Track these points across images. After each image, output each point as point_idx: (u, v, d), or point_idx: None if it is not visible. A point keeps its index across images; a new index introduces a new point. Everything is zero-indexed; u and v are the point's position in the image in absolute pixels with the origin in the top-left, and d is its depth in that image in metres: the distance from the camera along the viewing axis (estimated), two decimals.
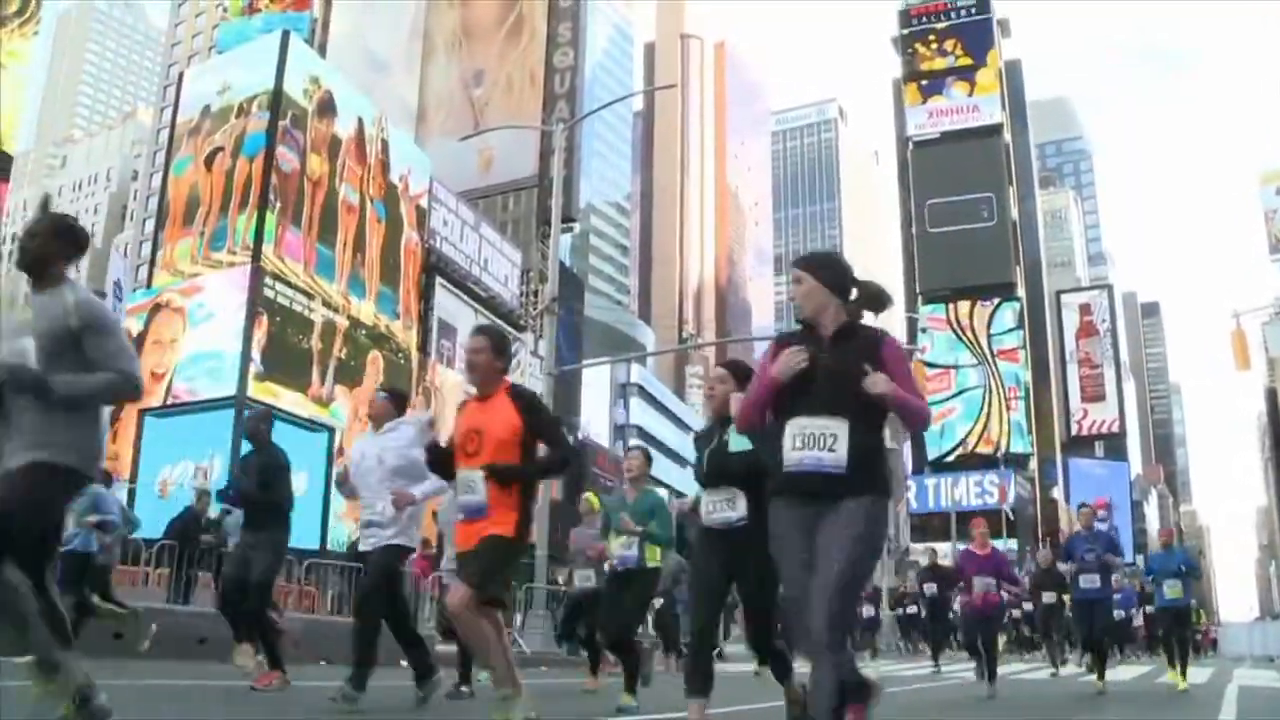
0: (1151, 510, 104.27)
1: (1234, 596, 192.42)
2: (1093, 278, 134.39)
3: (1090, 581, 10.86)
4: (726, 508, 5.14)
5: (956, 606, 23.68)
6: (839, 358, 3.76)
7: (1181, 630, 12.05)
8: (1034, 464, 74.91)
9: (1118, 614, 22.82)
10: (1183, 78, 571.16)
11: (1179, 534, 16.01)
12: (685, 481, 76.50)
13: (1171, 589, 11.60)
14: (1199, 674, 16.15)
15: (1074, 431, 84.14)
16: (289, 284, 32.69)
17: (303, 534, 23.05)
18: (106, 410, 4.26)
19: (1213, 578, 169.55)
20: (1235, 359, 21.30)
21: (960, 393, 70.46)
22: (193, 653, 10.15)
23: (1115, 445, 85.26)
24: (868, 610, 22.13)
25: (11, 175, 27.40)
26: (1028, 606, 21.62)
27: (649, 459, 8.33)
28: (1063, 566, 11.94)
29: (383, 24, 59.45)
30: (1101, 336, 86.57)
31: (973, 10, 79.57)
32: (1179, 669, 11.77)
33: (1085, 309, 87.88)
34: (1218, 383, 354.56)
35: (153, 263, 36.28)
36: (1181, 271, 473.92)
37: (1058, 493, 77.38)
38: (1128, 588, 23.45)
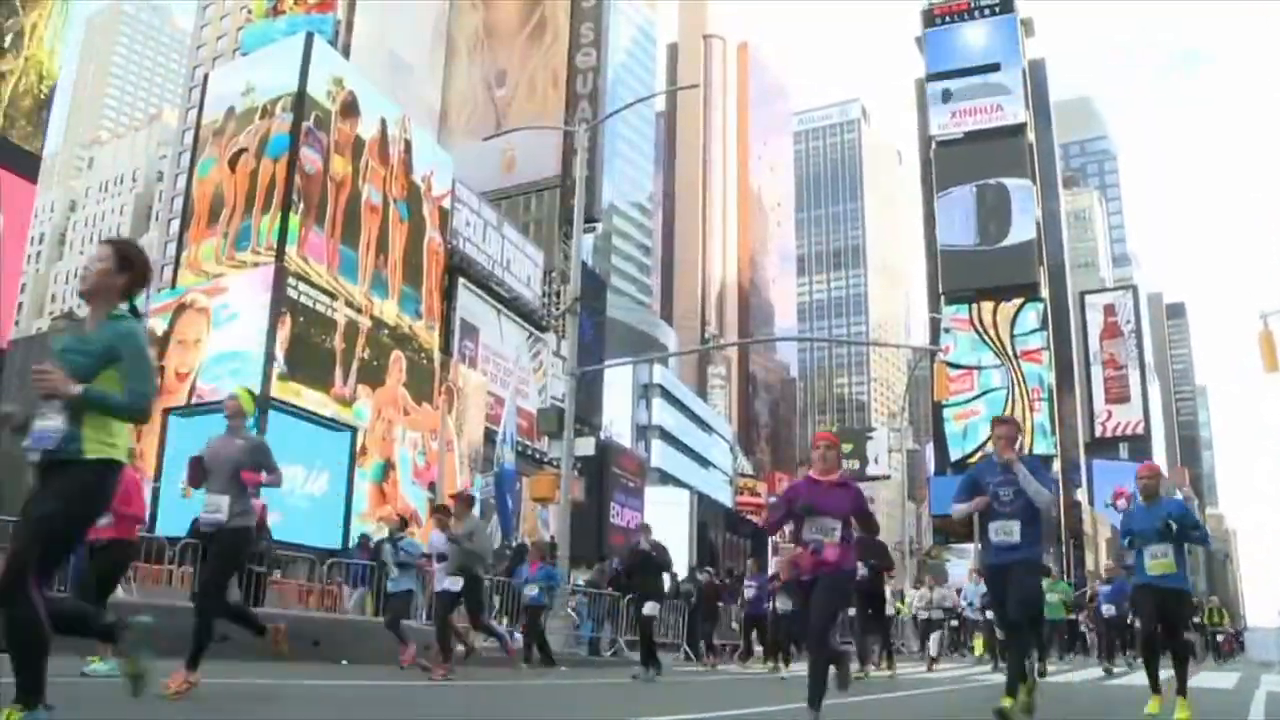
0: None
1: (1261, 601, 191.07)
2: (1117, 278, 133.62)
3: (1004, 534, 6.93)
4: None
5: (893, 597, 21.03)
6: None
7: (1173, 628, 7.91)
8: (1058, 465, 74.49)
9: (1106, 610, 18.85)
10: (1208, 77, 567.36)
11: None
12: (711, 483, 76.50)
13: (1156, 560, 7.67)
14: (1224, 679, 15.98)
15: (1098, 433, 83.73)
16: (312, 284, 32.81)
17: (325, 534, 23.28)
18: None
19: (1239, 582, 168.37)
20: (1263, 361, 21.08)
21: (983, 394, 70.12)
22: (213, 651, 10.17)
23: (1140, 447, 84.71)
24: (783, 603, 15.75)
25: (39, 176, 27.57)
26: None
27: (125, 262, 4.35)
28: (959, 507, 7.32)
29: (406, 25, 59.67)
30: (1126, 337, 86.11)
31: (996, 9, 79.24)
32: (1175, 687, 7.66)
33: (1109, 310, 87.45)
34: (1245, 385, 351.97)
35: (177, 263, 36.49)
36: (1208, 272, 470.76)
37: (1081, 494, 77.01)
38: (1118, 579, 19.44)
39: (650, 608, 13.04)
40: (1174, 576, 7.70)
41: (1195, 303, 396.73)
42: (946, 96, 77.93)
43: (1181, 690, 7.65)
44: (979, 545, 8.00)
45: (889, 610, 17.60)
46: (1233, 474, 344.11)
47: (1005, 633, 7.37)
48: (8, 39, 25.24)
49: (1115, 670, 17.68)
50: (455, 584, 10.48)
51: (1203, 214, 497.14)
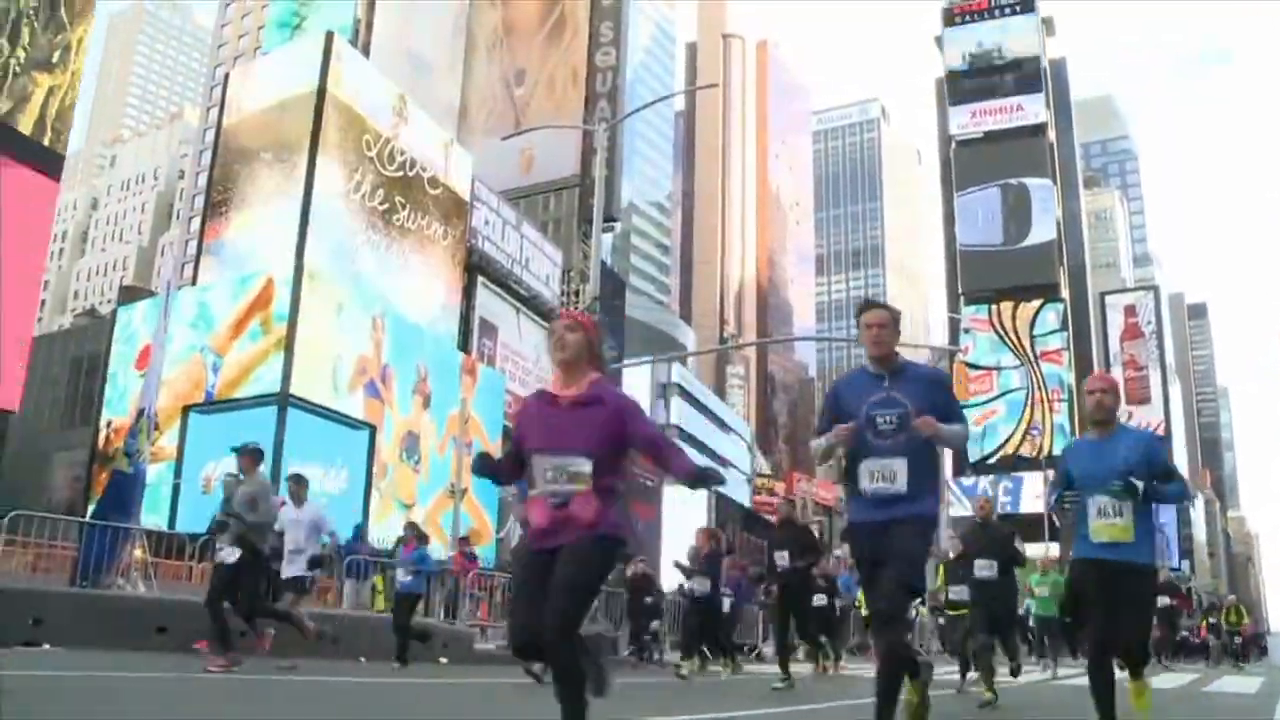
0: (1198, 515, 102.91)
1: None
2: (1138, 279, 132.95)
3: (883, 479, 4.64)
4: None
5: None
6: None
7: (1132, 621, 5.23)
8: None
9: None
10: (1230, 76, 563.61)
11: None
12: (729, 483, 76.30)
13: (1106, 521, 5.13)
14: (1246, 684, 15.82)
15: None
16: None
17: (344, 531, 23.28)
18: None
19: (1261, 585, 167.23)
20: None
21: (1003, 394, 69.94)
22: (233, 646, 10.22)
23: None
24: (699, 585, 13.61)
25: (63, 175, 27.72)
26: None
27: None
28: (815, 442, 5.09)
29: (426, 24, 59.81)
30: (1147, 338, 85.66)
31: (1017, 8, 78.95)
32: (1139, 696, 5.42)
33: (1130, 310, 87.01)
34: (1267, 386, 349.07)
35: (198, 261, 36.68)
36: (1231, 273, 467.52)
37: None
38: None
39: None
40: (1130, 547, 5.09)
41: (1217, 303, 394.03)
42: (966, 96, 77.72)
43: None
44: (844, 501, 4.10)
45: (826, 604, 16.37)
46: (1255, 475, 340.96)
47: (874, 629, 4.93)
48: (55, 55, 25.51)
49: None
50: (231, 555, 8.89)
51: (1225, 214, 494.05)
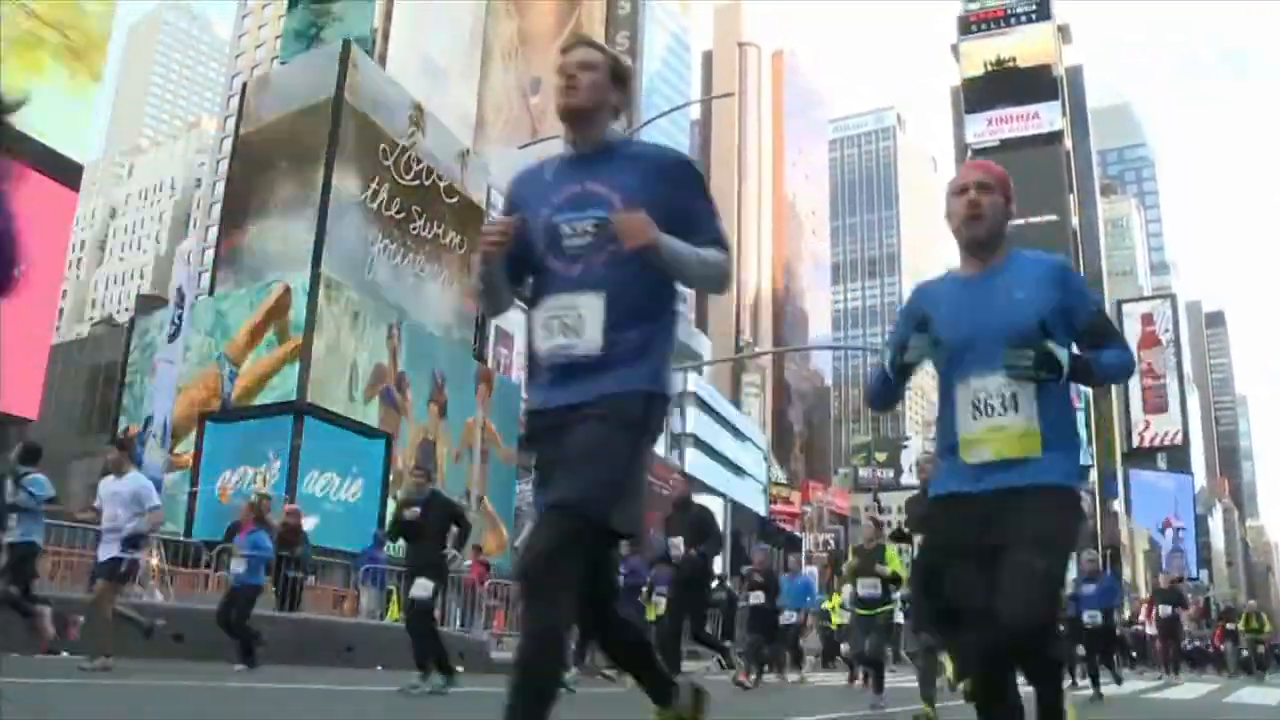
0: (1216, 524, 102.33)
1: None
2: (1155, 287, 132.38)
3: (565, 331, 2.68)
4: None
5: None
6: None
7: (1030, 587, 2.64)
8: (1094, 475, 73.81)
9: (1089, 618, 12.68)
10: (1250, 81, 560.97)
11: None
12: (745, 491, 76.25)
13: (992, 424, 2.83)
14: (1266, 695, 15.69)
15: (1135, 443, 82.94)
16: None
17: (359, 539, 23.39)
18: None
19: None
20: None
21: None
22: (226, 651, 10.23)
23: (1178, 458, 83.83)
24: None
25: (81, 184, 27.89)
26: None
27: None
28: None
29: (442, 34, 60.00)
30: (1164, 347, 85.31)
31: (1033, 16, 78.87)
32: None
33: (1147, 319, 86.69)
34: None
35: (215, 270, 36.82)
36: (1249, 280, 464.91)
37: (1118, 505, 76.20)
38: (1107, 577, 14.71)
39: (422, 588, 8.42)
40: (1035, 468, 2.80)
41: (1235, 311, 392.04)
42: (982, 104, 77.63)
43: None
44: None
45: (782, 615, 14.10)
46: (1274, 484, 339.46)
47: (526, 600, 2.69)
48: None
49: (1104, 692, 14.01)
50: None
51: (1243, 222, 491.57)
